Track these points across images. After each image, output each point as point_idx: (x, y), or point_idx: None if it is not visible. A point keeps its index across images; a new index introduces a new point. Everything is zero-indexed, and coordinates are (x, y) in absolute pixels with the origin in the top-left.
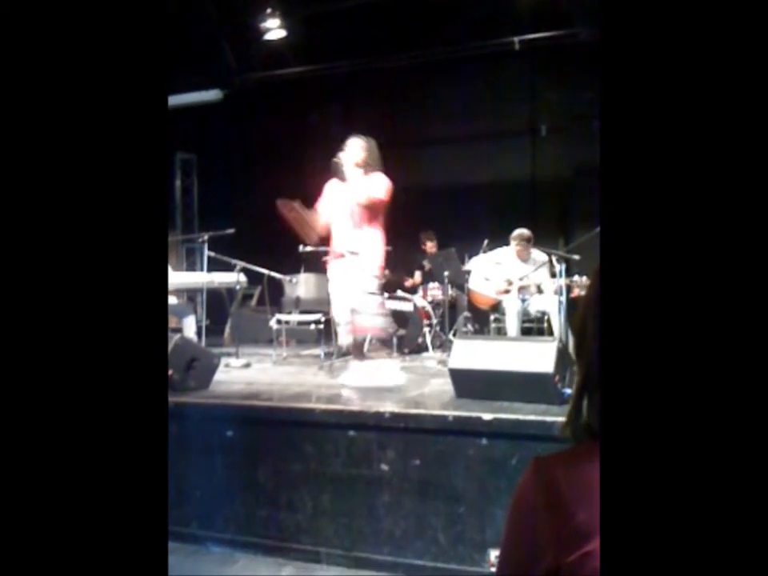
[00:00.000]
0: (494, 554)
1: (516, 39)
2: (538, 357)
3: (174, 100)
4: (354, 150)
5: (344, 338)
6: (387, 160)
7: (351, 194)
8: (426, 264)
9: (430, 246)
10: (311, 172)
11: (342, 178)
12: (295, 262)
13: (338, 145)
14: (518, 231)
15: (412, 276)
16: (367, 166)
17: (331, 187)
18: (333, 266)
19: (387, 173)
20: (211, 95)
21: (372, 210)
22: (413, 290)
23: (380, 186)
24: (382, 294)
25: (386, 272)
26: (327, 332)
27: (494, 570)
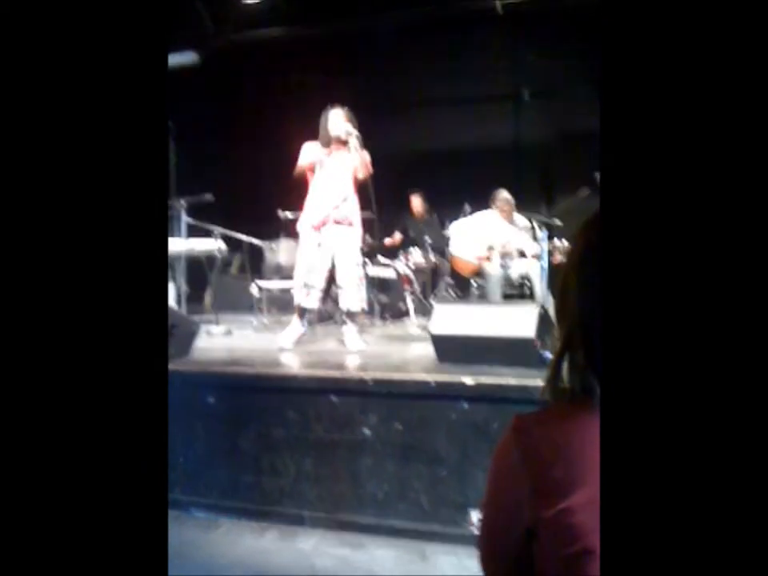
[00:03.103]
0: (475, 515)
1: (499, 3)
2: (519, 321)
3: None
4: (341, 120)
5: (311, 302)
6: (367, 124)
7: (348, 165)
8: (410, 229)
9: (416, 204)
10: (291, 136)
11: (328, 145)
12: (275, 228)
13: (317, 111)
14: (499, 195)
15: (392, 236)
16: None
17: (313, 150)
18: (316, 232)
19: (368, 136)
20: (187, 58)
21: (361, 184)
22: (392, 250)
23: (369, 161)
24: (363, 265)
25: (367, 237)
26: None
27: (474, 530)
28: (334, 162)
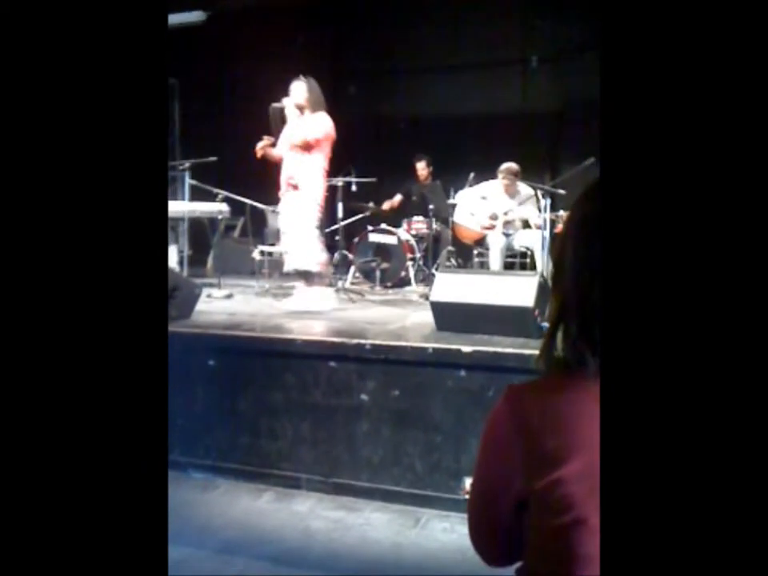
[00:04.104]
0: (468, 482)
1: None
2: (519, 291)
3: None
4: (298, 92)
5: (288, 265)
6: (374, 88)
7: (290, 134)
8: (413, 195)
9: (421, 168)
10: None
11: (279, 122)
12: (279, 192)
13: (323, 74)
14: (505, 165)
15: (391, 198)
16: (311, 107)
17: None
18: (281, 199)
19: (374, 101)
20: (193, 17)
21: (311, 148)
22: (393, 218)
23: (317, 127)
24: (321, 227)
25: (371, 204)
26: None
27: (468, 497)
28: (288, 132)
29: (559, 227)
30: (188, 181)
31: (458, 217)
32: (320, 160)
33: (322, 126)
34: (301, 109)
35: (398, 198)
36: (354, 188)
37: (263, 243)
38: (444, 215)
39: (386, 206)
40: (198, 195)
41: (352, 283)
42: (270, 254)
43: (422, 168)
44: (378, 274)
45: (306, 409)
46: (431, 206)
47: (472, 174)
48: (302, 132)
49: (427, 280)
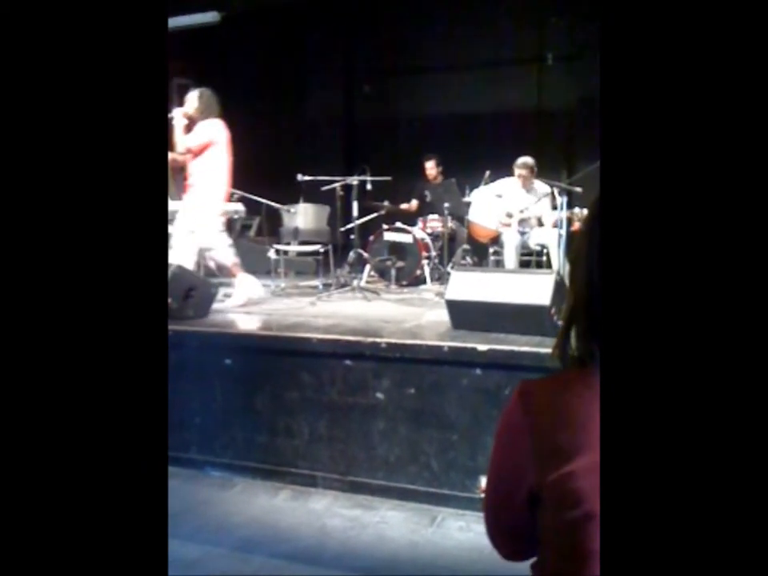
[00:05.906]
0: (484, 480)
1: None
2: (535, 289)
3: (169, 22)
4: (188, 102)
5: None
6: (389, 87)
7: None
8: (428, 194)
9: (430, 167)
10: (311, 96)
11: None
12: (294, 192)
13: (338, 73)
14: (521, 159)
15: (408, 202)
16: (201, 115)
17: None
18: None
19: (389, 100)
20: (208, 17)
21: (196, 154)
22: (408, 216)
23: (197, 136)
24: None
25: (386, 203)
26: (326, 263)
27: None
28: (181, 139)
29: (575, 225)
30: None
31: (473, 215)
32: (209, 163)
33: (202, 133)
34: (191, 118)
35: (414, 203)
36: (368, 187)
37: (279, 242)
38: (459, 213)
39: (405, 207)
40: None
41: (367, 282)
42: (286, 252)
43: (430, 167)
44: (393, 272)
45: (322, 407)
46: (446, 205)
47: (488, 173)
48: (184, 140)
49: (442, 278)
